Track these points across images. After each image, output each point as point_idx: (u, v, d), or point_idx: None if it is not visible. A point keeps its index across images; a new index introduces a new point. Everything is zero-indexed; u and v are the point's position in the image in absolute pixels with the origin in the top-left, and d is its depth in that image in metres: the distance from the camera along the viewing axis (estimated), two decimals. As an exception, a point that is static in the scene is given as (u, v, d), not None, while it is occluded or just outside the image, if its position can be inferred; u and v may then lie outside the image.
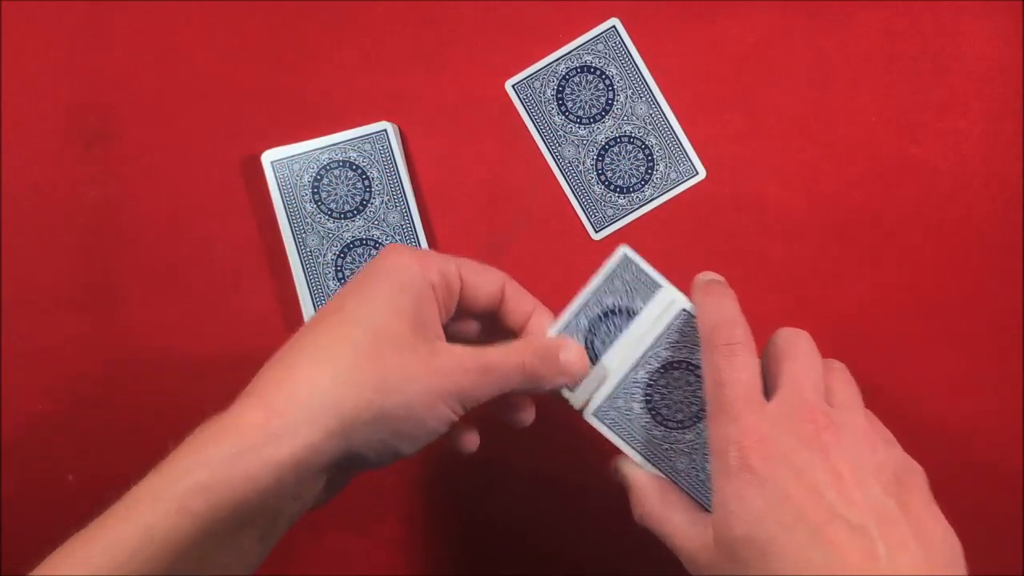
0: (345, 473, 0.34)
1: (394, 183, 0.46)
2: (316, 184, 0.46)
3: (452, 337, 0.36)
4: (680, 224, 0.46)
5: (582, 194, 0.46)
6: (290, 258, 0.46)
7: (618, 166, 0.46)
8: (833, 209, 0.46)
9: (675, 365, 0.37)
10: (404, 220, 0.46)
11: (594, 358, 0.37)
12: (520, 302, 0.38)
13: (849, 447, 0.32)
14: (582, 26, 0.47)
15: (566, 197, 0.46)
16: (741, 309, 0.35)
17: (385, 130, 0.46)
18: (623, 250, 0.37)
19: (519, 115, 0.47)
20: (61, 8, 0.48)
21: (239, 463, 0.30)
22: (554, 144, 0.46)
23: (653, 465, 0.37)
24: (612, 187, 0.46)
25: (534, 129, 0.47)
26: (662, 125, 0.46)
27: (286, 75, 0.47)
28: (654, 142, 0.46)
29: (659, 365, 0.37)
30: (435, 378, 0.33)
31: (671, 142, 0.45)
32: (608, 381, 0.37)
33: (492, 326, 0.39)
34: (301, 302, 0.46)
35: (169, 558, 0.29)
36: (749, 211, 0.46)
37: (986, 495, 0.45)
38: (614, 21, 0.47)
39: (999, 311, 0.46)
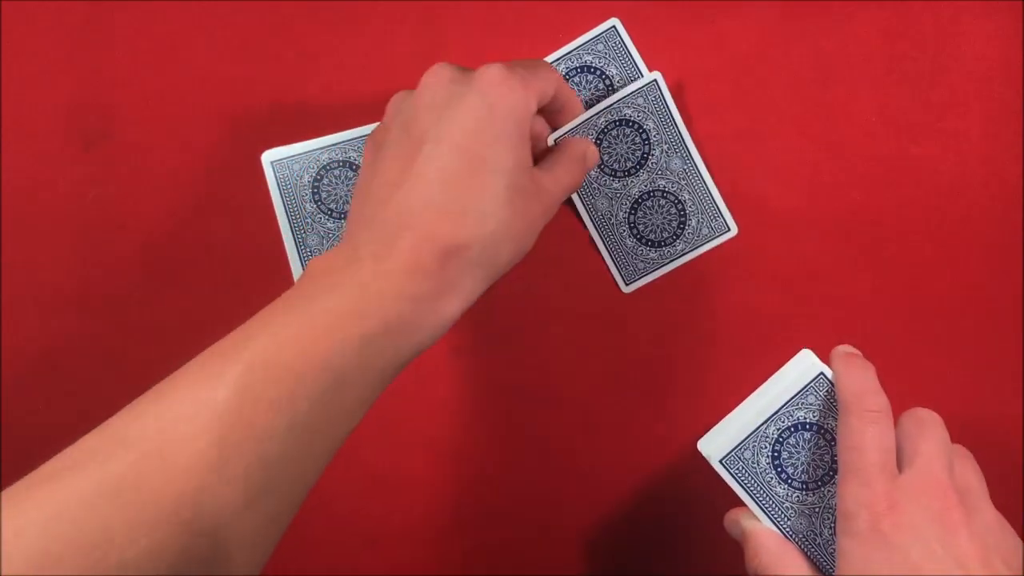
0: None
1: (394, 183, 0.46)
2: (316, 184, 0.46)
3: None
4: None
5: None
6: (290, 258, 0.46)
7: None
8: (833, 209, 0.46)
9: (806, 426, 0.38)
10: (404, 220, 0.46)
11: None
12: (568, 101, 0.43)
13: (978, 530, 0.33)
14: (582, 26, 0.47)
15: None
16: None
17: (385, 130, 0.46)
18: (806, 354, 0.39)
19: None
20: (61, 8, 0.48)
21: (426, 322, 0.34)
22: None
23: (772, 521, 0.38)
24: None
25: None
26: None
27: (286, 75, 0.47)
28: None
29: (791, 424, 0.38)
30: (546, 216, 0.38)
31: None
32: (740, 432, 0.38)
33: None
34: (301, 302, 0.46)
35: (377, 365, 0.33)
36: (749, 211, 0.46)
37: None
38: (614, 21, 0.47)
39: (999, 311, 0.46)
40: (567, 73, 0.47)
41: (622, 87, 0.46)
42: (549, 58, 0.47)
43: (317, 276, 0.34)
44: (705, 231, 0.46)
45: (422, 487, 0.47)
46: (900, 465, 0.35)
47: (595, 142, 0.45)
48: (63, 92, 0.48)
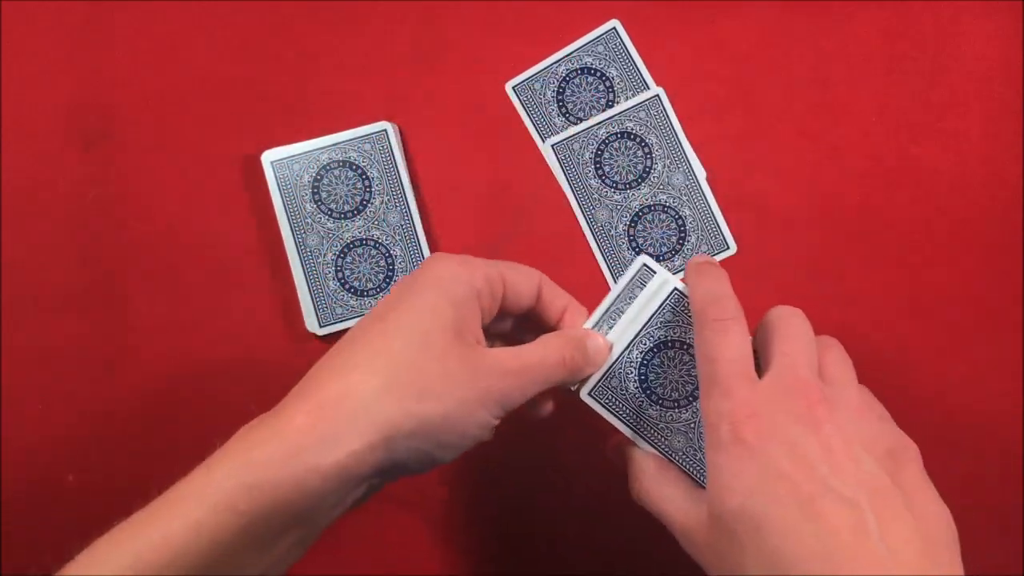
0: (385, 478, 0.34)
1: (394, 183, 0.46)
2: (316, 184, 0.46)
3: (487, 335, 0.36)
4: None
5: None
6: (290, 258, 0.46)
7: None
8: (833, 209, 0.46)
9: (669, 344, 0.37)
10: (404, 220, 0.46)
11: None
12: (555, 298, 0.38)
13: (842, 422, 0.32)
14: (582, 27, 0.47)
15: (584, 236, 0.47)
16: (733, 288, 0.36)
17: (385, 130, 0.46)
18: (642, 259, 0.38)
19: (519, 115, 0.47)
20: (61, 8, 0.48)
21: (286, 467, 0.30)
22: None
23: (650, 444, 0.37)
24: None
25: (534, 131, 0.47)
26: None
27: (286, 75, 0.47)
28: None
29: (652, 344, 0.37)
30: (477, 385, 0.33)
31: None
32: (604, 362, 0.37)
33: (523, 322, 0.39)
34: (301, 302, 0.46)
35: (214, 556, 0.29)
36: (749, 211, 0.46)
37: (986, 495, 0.45)
38: (614, 23, 0.47)
39: (999, 311, 0.46)
40: (568, 75, 0.47)
41: (622, 89, 0.46)
42: (550, 59, 0.47)
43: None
44: (704, 248, 0.46)
45: (416, 491, 0.47)
46: (761, 369, 0.34)
47: (595, 153, 0.45)
48: (63, 92, 0.48)
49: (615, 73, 0.47)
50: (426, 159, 0.47)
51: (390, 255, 0.46)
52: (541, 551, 0.46)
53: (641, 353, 0.37)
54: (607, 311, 0.37)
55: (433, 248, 0.47)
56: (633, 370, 0.37)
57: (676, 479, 0.36)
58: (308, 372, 0.33)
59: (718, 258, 0.46)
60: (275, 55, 0.48)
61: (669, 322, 0.37)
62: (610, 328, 0.37)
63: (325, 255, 0.46)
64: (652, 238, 0.46)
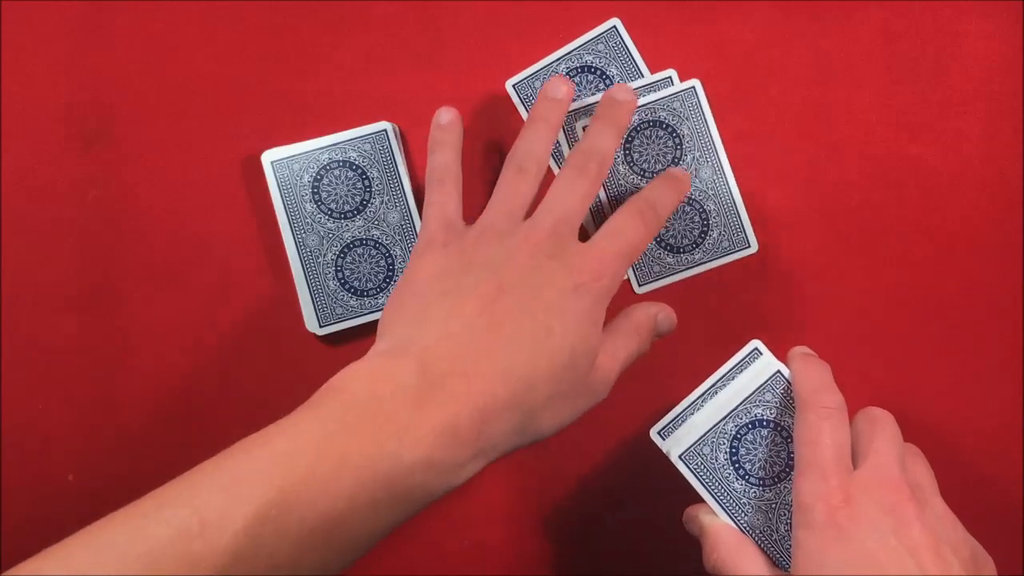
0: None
1: (394, 183, 0.46)
2: (316, 184, 0.46)
3: None
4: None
5: None
6: (290, 258, 0.46)
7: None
8: (833, 209, 0.46)
9: (764, 423, 0.39)
10: (404, 220, 0.46)
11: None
12: None
13: (930, 523, 0.34)
14: (582, 26, 0.47)
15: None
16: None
17: (385, 130, 0.46)
18: (755, 343, 0.40)
19: (520, 115, 0.47)
20: (61, 8, 0.48)
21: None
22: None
23: (729, 517, 0.38)
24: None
25: None
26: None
27: (286, 75, 0.47)
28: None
29: (748, 420, 0.39)
30: (595, 398, 0.38)
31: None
32: (698, 428, 0.39)
33: None
34: (301, 302, 0.46)
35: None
36: (749, 211, 0.46)
37: (986, 495, 0.45)
38: (614, 21, 0.47)
39: (999, 311, 0.46)
40: (568, 73, 0.47)
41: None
42: (550, 58, 0.47)
43: (358, 405, 0.33)
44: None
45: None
46: (854, 462, 0.36)
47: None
48: (63, 92, 0.48)
49: (615, 71, 0.47)
50: (426, 159, 0.47)
51: (390, 255, 0.46)
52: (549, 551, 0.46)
53: (736, 427, 0.39)
54: (713, 385, 0.39)
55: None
56: (726, 441, 0.39)
57: (755, 554, 0.37)
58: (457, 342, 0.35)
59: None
60: (275, 55, 0.48)
61: (767, 402, 0.39)
62: (712, 397, 0.39)
63: (325, 255, 0.46)
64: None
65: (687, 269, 0.46)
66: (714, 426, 0.39)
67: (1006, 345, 0.46)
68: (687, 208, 0.46)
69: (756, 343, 0.39)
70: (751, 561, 0.36)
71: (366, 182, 0.46)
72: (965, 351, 0.46)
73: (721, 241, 0.46)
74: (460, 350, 0.35)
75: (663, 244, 0.46)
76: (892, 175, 0.46)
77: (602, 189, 0.46)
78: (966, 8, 0.46)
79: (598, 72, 0.47)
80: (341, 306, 0.46)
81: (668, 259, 0.46)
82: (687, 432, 0.39)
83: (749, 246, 0.46)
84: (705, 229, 0.46)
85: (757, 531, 0.38)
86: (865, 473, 0.35)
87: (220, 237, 0.47)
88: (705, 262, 0.46)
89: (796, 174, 0.46)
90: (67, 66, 0.48)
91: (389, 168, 0.46)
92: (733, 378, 0.39)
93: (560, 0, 0.47)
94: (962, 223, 0.46)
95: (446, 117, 0.44)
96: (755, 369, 0.39)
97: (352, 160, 0.46)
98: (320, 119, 0.47)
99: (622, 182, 0.46)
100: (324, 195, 0.46)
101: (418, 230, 0.46)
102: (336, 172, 0.46)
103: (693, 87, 0.46)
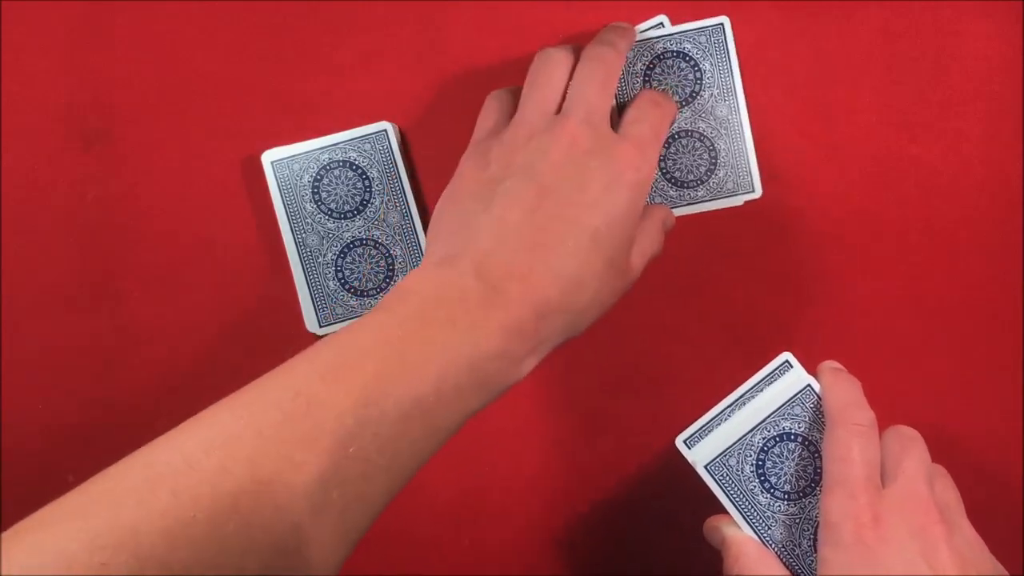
0: None
1: (394, 183, 0.46)
2: (316, 184, 0.46)
3: None
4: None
5: None
6: (290, 258, 0.46)
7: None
8: (833, 209, 0.46)
9: (791, 437, 0.38)
10: (404, 220, 0.46)
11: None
12: None
13: (958, 547, 0.34)
14: (582, 26, 0.47)
15: None
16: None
17: (385, 130, 0.46)
18: (785, 355, 0.40)
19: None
20: (61, 8, 0.48)
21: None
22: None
23: (752, 529, 0.38)
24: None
25: None
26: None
27: (286, 75, 0.47)
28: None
29: (776, 433, 0.38)
30: (627, 289, 0.39)
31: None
32: (725, 439, 0.38)
33: None
34: (301, 302, 0.46)
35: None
36: (749, 211, 0.46)
37: (986, 495, 0.45)
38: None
39: (999, 311, 0.46)
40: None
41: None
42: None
43: (431, 304, 0.35)
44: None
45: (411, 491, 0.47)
46: (883, 480, 0.35)
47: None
48: (63, 92, 0.48)
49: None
50: (426, 159, 0.47)
51: (390, 255, 0.46)
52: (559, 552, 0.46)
53: (764, 439, 0.38)
54: (742, 396, 0.39)
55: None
56: (752, 453, 0.38)
57: (777, 568, 0.37)
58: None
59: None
60: (275, 55, 0.48)
61: (796, 416, 0.38)
62: (740, 410, 0.39)
63: (325, 255, 0.46)
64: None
65: (688, 205, 0.45)
66: (741, 437, 0.38)
67: (1006, 345, 0.46)
68: (697, 144, 0.45)
69: (787, 356, 0.39)
70: (773, 574, 0.36)
71: (366, 182, 0.46)
72: (965, 351, 0.46)
73: (726, 182, 0.45)
74: (513, 256, 0.36)
75: (668, 176, 0.45)
76: (892, 175, 0.46)
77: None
78: (966, 8, 0.46)
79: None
80: (341, 306, 0.46)
81: (671, 192, 0.45)
82: (714, 442, 0.39)
83: (753, 191, 0.46)
84: (712, 167, 0.45)
85: (779, 545, 0.37)
86: (894, 492, 0.34)
87: (220, 237, 0.47)
88: (707, 200, 0.45)
89: (796, 174, 0.46)
90: (67, 66, 0.48)
91: (389, 168, 0.46)
92: (762, 390, 0.39)
93: (560, 0, 0.47)
94: (962, 223, 0.46)
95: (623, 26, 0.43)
96: (785, 382, 0.39)
97: (352, 160, 0.46)
98: (320, 119, 0.47)
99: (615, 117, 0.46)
100: (324, 195, 0.46)
101: (418, 230, 0.46)
102: (336, 172, 0.46)
103: (722, 24, 0.45)
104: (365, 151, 0.46)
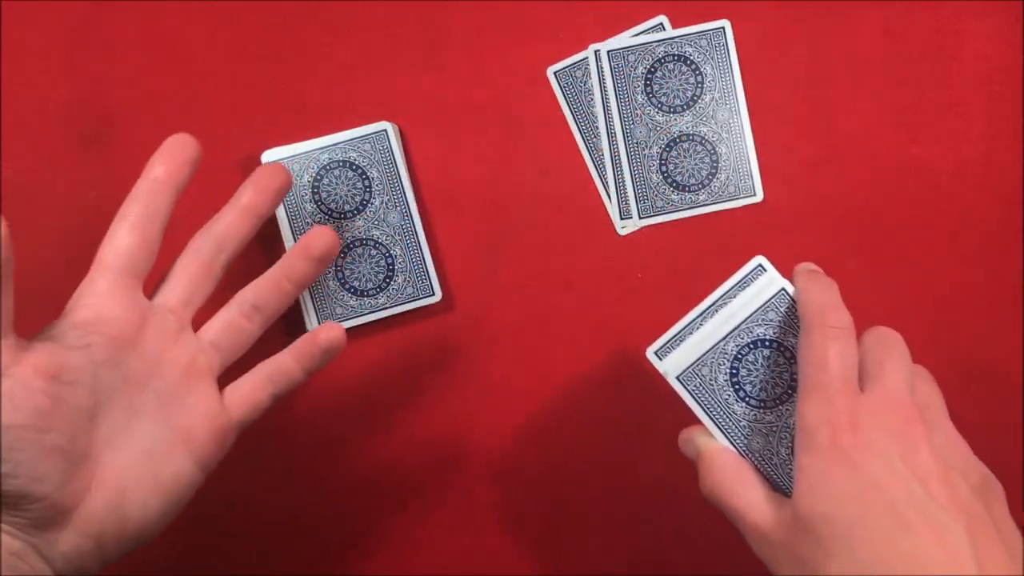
0: None
1: (394, 183, 0.46)
2: (316, 184, 0.46)
3: None
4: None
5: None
6: (290, 258, 0.46)
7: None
8: (833, 209, 0.46)
9: (766, 343, 0.37)
10: (404, 220, 0.46)
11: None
12: None
13: (939, 447, 0.32)
14: (582, 26, 0.47)
15: (590, 185, 0.46)
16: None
17: (385, 130, 0.46)
18: (759, 259, 0.38)
19: (520, 114, 0.47)
20: (60, 8, 0.48)
21: None
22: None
23: (728, 439, 0.36)
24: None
25: (571, 116, 0.46)
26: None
27: (286, 75, 0.47)
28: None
29: (750, 340, 0.37)
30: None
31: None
32: (697, 348, 0.37)
33: None
34: (301, 302, 0.46)
35: None
36: (749, 211, 0.46)
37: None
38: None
39: (999, 311, 0.46)
40: (581, 76, 0.47)
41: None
42: (583, 54, 0.47)
43: None
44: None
45: (412, 487, 0.47)
46: (862, 383, 0.34)
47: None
48: (63, 92, 0.48)
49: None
50: (426, 159, 0.47)
51: (390, 255, 0.46)
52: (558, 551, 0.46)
53: (737, 347, 0.37)
54: (714, 303, 0.37)
55: (433, 248, 0.46)
56: (726, 362, 0.37)
57: (753, 478, 0.35)
58: None
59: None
60: (275, 55, 0.48)
61: (770, 321, 0.37)
62: (712, 317, 0.37)
63: (325, 255, 0.46)
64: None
65: (689, 208, 0.46)
66: (714, 346, 0.36)
67: (1006, 345, 0.46)
68: (699, 148, 0.45)
69: (760, 259, 0.37)
70: (749, 485, 0.35)
71: (366, 182, 0.46)
72: (965, 351, 0.46)
73: (728, 185, 0.46)
74: None
75: (669, 180, 0.45)
76: (892, 175, 0.46)
77: (620, 134, 0.45)
78: (966, 8, 0.46)
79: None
80: (341, 306, 0.46)
81: (672, 195, 0.46)
82: (685, 352, 0.37)
83: (754, 194, 0.46)
84: (714, 171, 0.45)
85: (756, 454, 0.36)
86: (873, 395, 0.33)
87: (220, 237, 0.47)
88: (709, 204, 0.46)
89: (796, 174, 0.46)
90: (67, 66, 0.48)
91: (389, 168, 0.46)
92: (735, 296, 0.37)
93: (560, 1, 0.47)
94: (962, 223, 0.46)
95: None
96: (758, 286, 0.37)
97: (352, 160, 0.46)
98: (320, 119, 0.47)
99: (638, 112, 0.46)
100: (324, 195, 0.46)
101: (418, 230, 0.46)
102: (336, 172, 0.46)
103: (723, 27, 0.45)
104: (365, 151, 0.46)
